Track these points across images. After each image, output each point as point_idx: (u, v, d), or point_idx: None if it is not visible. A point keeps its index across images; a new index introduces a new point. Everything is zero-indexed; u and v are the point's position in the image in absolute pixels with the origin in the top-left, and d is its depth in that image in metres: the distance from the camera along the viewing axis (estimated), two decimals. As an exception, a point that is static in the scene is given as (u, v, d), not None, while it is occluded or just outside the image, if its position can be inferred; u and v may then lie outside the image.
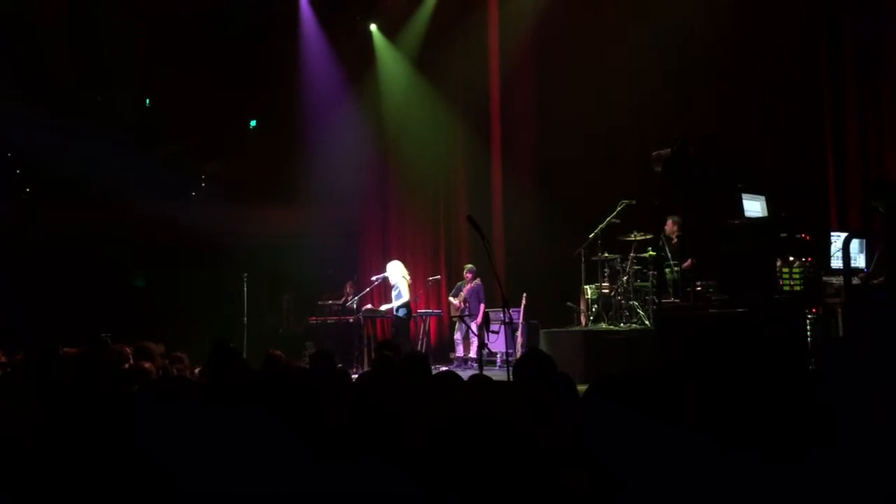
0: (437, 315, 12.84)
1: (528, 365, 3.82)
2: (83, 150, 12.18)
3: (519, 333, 11.12)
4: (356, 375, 6.50)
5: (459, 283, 12.23)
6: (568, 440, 1.75)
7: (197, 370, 6.07)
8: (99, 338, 8.44)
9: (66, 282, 12.37)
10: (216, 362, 4.74)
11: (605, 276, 10.20)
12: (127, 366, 5.48)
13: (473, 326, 11.30)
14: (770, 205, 7.50)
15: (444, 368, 11.16)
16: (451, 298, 12.33)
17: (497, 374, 9.93)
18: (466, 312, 11.72)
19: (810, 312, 6.45)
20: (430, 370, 4.54)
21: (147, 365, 5.19)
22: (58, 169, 12.51)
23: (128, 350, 5.92)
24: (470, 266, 12.15)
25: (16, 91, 12.17)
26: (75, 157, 12.07)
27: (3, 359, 6.27)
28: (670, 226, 9.84)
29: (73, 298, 12.02)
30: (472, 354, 11.55)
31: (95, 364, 4.98)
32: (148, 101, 15.20)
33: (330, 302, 12.92)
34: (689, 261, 8.63)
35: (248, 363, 5.53)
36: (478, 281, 11.99)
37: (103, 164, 12.40)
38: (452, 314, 12.27)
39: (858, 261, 7.29)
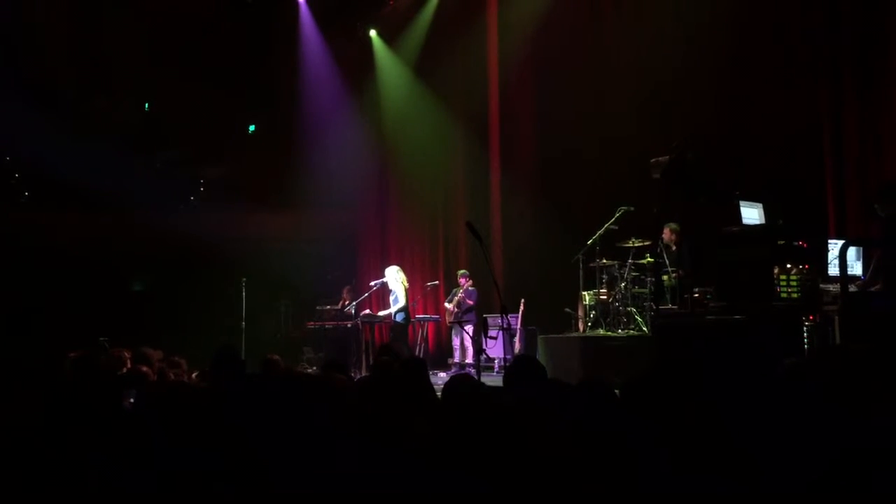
0: (436, 321, 12.86)
1: (519, 372, 3.84)
2: (82, 154, 12.18)
3: (517, 339, 11.14)
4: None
5: (455, 290, 12.25)
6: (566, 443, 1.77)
7: (194, 374, 6.07)
8: (97, 342, 8.43)
9: (64, 286, 12.36)
10: (218, 367, 4.74)
11: (603, 283, 10.20)
12: (125, 370, 5.49)
13: (469, 330, 11.34)
14: (768, 212, 7.52)
15: (443, 374, 11.21)
16: (446, 304, 12.37)
17: (494, 379, 9.94)
18: (460, 318, 11.75)
19: (808, 320, 6.47)
20: (427, 376, 4.54)
21: (144, 369, 5.19)
22: (56, 173, 12.50)
23: (126, 355, 5.92)
24: (463, 271, 12.18)
25: (16, 95, 12.17)
26: (74, 161, 12.07)
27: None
28: (668, 234, 9.86)
29: (70, 303, 12.01)
30: (470, 360, 11.56)
31: (93, 367, 4.98)
32: (147, 105, 15.21)
33: (328, 307, 12.93)
34: (679, 272, 8.66)
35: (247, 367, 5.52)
36: (471, 285, 12.00)
37: (102, 168, 12.40)
38: (449, 320, 12.30)
39: (855, 268, 7.32)
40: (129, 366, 5.65)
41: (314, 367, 11.19)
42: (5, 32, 12.46)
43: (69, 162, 12.06)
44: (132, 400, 3.65)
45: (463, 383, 3.53)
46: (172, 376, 5.73)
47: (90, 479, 2.29)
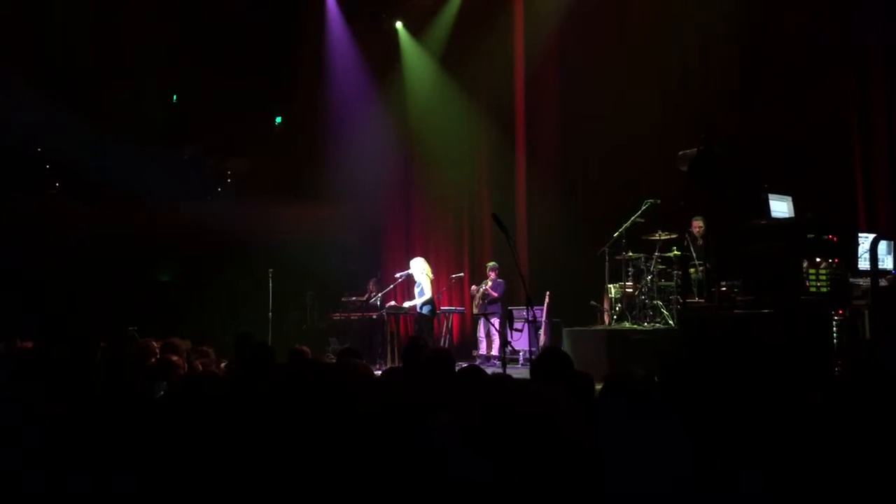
0: (461, 312, 12.87)
1: (546, 364, 3.82)
2: (109, 146, 12.32)
3: (542, 332, 11.12)
4: (379, 371, 6.54)
5: (484, 281, 12.25)
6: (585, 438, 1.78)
7: (223, 364, 6.12)
8: (126, 331, 8.54)
9: (93, 277, 12.51)
10: (242, 357, 4.78)
11: (629, 276, 10.17)
12: (154, 360, 5.54)
13: (495, 322, 11.34)
14: (797, 205, 7.44)
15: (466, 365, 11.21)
16: (472, 287, 12.36)
17: (519, 371, 9.96)
18: (485, 310, 11.74)
19: (837, 314, 6.40)
20: (453, 368, 4.54)
21: (175, 358, 5.24)
22: (84, 165, 12.64)
23: (155, 345, 5.98)
24: (492, 264, 12.15)
25: (44, 88, 12.32)
26: (102, 153, 12.21)
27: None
28: (697, 226, 9.81)
29: (99, 293, 12.16)
30: (495, 352, 11.58)
31: (121, 357, 5.05)
32: (175, 97, 15.32)
33: (353, 298, 12.99)
34: (706, 266, 8.60)
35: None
36: (498, 278, 11.99)
37: (129, 160, 12.53)
38: (474, 305, 12.26)
39: (886, 262, 7.21)
40: (157, 355, 5.70)
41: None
42: (32, 26, 12.62)
43: (96, 154, 12.20)
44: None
45: (469, 375, 3.53)
46: (201, 366, 5.79)
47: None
